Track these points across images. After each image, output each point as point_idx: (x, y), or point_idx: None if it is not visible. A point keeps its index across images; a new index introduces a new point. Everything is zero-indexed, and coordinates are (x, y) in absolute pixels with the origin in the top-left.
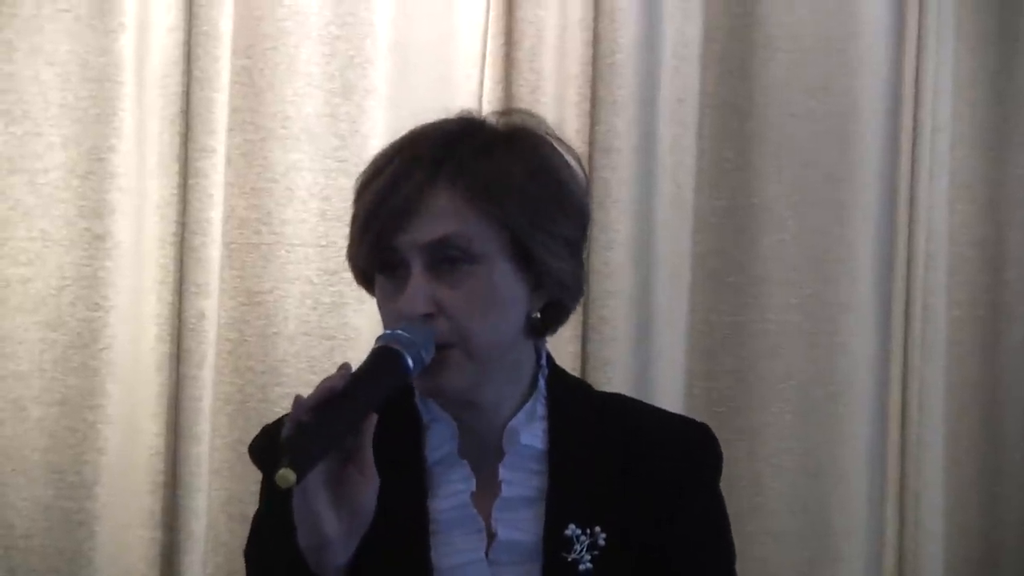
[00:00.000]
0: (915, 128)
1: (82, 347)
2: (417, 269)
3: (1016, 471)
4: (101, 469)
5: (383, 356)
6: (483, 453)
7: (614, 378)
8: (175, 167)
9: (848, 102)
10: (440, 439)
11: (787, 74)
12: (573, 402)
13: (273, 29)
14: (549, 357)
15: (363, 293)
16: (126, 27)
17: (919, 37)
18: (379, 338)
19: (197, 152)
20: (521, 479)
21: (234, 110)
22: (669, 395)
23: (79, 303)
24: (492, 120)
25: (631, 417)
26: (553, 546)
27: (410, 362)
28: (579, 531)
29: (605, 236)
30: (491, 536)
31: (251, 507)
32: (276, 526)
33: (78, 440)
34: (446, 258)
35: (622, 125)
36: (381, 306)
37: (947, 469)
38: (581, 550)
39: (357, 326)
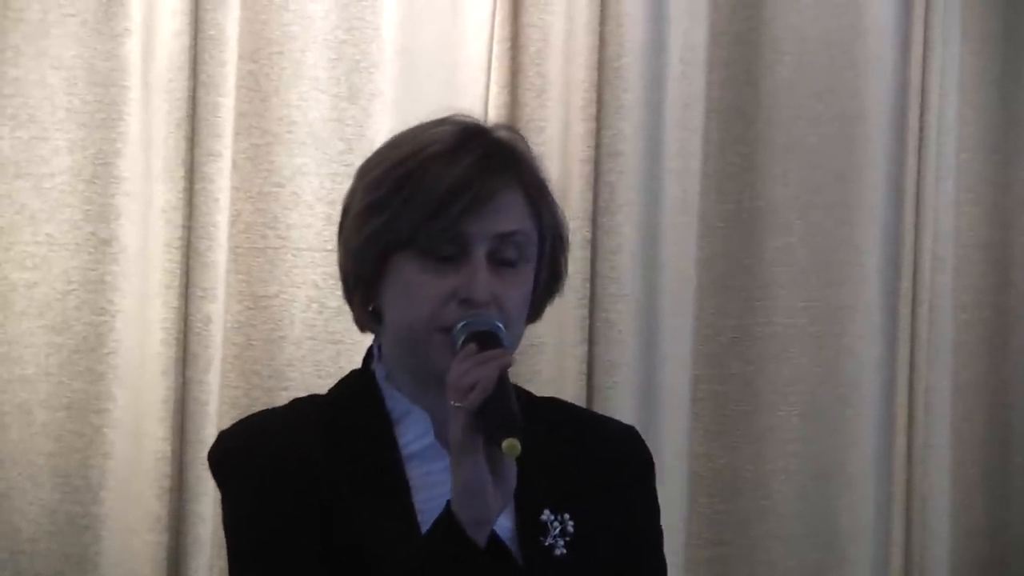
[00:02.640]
0: (921, 131)
1: (88, 351)
2: (480, 257)
3: (1023, 473)
4: (107, 473)
5: (495, 338)
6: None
7: (620, 381)
8: (181, 171)
9: (854, 105)
10: (416, 432)
11: (793, 78)
12: (524, 399)
13: (279, 34)
14: None
15: None
16: (132, 32)
17: (925, 40)
18: (473, 322)
19: (203, 156)
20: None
21: (240, 114)
22: (675, 398)
23: (85, 307)
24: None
25: (574, 416)
26: (530, 532)
27: (505, 343)
28: (552, 517)
29: (611, 240)
30: None
31: None
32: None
33: (84, 444)
34: (505, 253)
35: (628, 129)
36: (418, 286)
37: (954, 471)
38: (555, 536)
39: None
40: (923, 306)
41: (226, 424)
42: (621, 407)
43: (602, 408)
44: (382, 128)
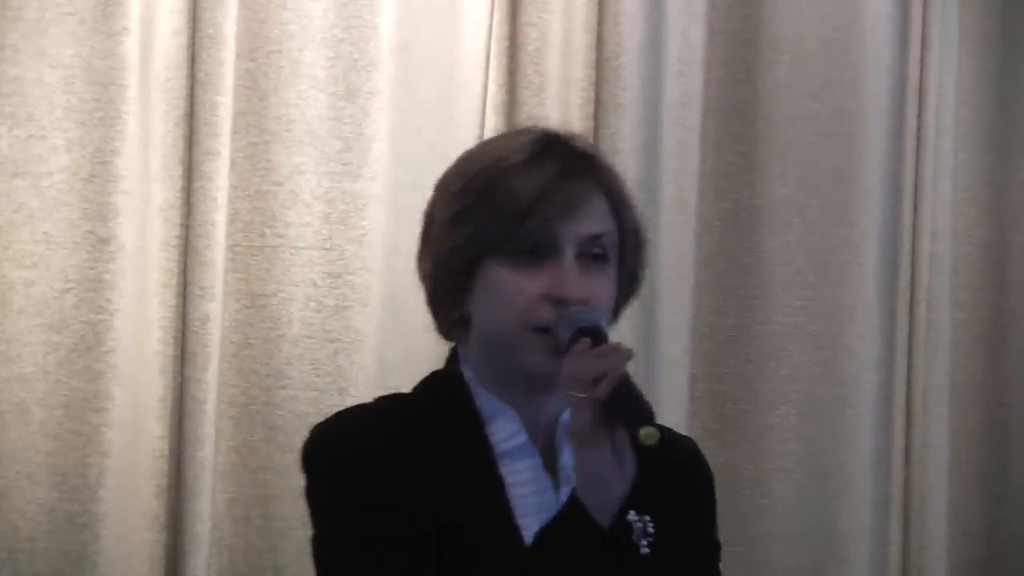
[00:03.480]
0: (919, 131)
1: (86, 350)
2: (570, 258)
3: (1020, 473)
4: (105, 472)
5: (603, 332)
6: (539, 443)
7: None
8: (179, 170)
9: (852, 105)
10: (508, 431)
11: (791, 77)
12: None
13: (277, 32)
14: None
15: (368, 296)
16: (130, 30)
17: (923, 40)
18: (575, 320)
19: (201, 155)
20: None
21: (238, 113)
22: (674, 397)
23: (83, 306)
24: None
25: None
26: (619, 530)
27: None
28: (636, 518)
29: None
30: None
31: (255, 509)
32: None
33: (82, 443)
34: (592, 254)
35: (626, 128)
36: (510, 287)
37: (951, 471)
38: (639, 535)
39: (361, 329)
40: (921, 305)
41: (224, 422)
42: None
43: None
44: (380, 127)
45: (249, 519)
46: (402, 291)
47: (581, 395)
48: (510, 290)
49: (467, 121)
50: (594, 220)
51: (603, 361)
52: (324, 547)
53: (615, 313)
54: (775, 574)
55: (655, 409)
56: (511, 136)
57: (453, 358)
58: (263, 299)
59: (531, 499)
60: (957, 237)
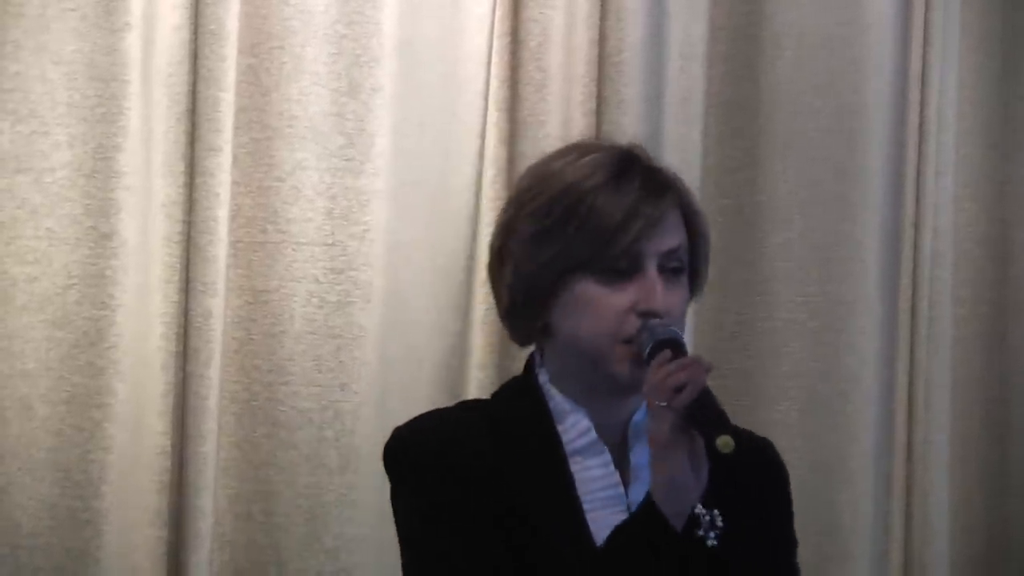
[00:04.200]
0: (921, 126)
1: (88, 346)
2: (654, 273)
3: (1022, 468)
4: (107, 468)
5: (682, 344)
6: (609, 443)
7: None
8: (181, 166)
9: (854, 100)
10: (578, 429)
11: (793, 73)
12: None
13: (279, 28)
14: None
15: (370, 292)
16: (132, 26)
17: (925, 36)
18: (654, 332)
19: (203, 151)
20: (647, 466)
21: (240, 109)
22: None
23: (85, 302)
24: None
25: None
26: (687, 522)
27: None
28: (704, 512)
29: None
30: None
31: (257, 505)
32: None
33: (84, 439)
34: (670, 266)
35: (628, 124)
36: (598, 302)
37: (953, 466)
38: (707, 528)
39: (363, 324)
40: (923, 301)
41: (226, 418)
42: None
43: None
44: (382, 123)
45: (251, 515)
46: (404, 286)
47: (662, 403)
48: (600, 304)
49: (469, 117)
50: (672, 235)
51: (685, 372)
52: (407, 547)
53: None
54: None
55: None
56: (583, 151)
57: (530, 363)
58: (265, 295)
59: (601, 494)
60: (959, 233)
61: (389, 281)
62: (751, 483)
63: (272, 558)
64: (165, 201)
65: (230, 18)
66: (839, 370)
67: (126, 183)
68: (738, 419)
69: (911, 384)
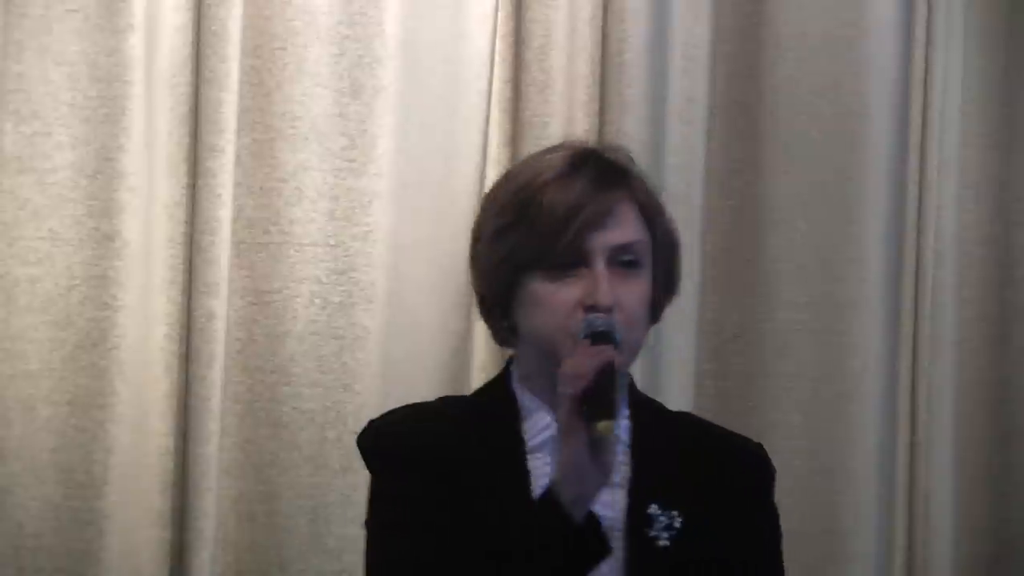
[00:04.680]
0: (924, 127)
1: (91, 347)
2: (601, 267)
3: None
4: (110, 469)
5: (608, 338)
6: None
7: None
8: (184, 167)
9: (857, 101)
10: (540, 426)
11: (796, 74)
12: (650, 408)
13: (282, 29)
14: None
15: (372, 292)
16: (135, 27)
17: (928, 36)
18: (589, 324)
19: (206, 152)
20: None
21: (243, 110)
22: (678, 394)
23: (88, 303)
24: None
25: (700, 427)
26: (636, 522)
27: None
28: (659, 512)
29: None
30: None
31: (260, 505)
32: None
33: (87, 440)
34: (624, 261)
35: (631, 125)
36: (547, 298)
37: (956, 468)
38: (661, 529)
39: (366, 325)
40: (925, 302)
41: (229, 419)
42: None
43: None
44: (385, 123)
45: (254, 515)
46: (407, 287)
47: (566, 391)
48: (550, 301)
49: (472, 118)
50: (624, 230)
51: (583, 361)
52: (368, 532)
53: (657, 311)
54: None
55: (618, 407)
56: (550, 151)
57: (507, 364)
58: (268, 296)
59: None
60: (961, 234)
61: (391, 282)
62: (730, 484)
63: (274, 559)
64: (168, 202)
65: (232, 19)
66: (841, 371)
67: (129, 184)
68: (739, 420)
69: (914, 385)
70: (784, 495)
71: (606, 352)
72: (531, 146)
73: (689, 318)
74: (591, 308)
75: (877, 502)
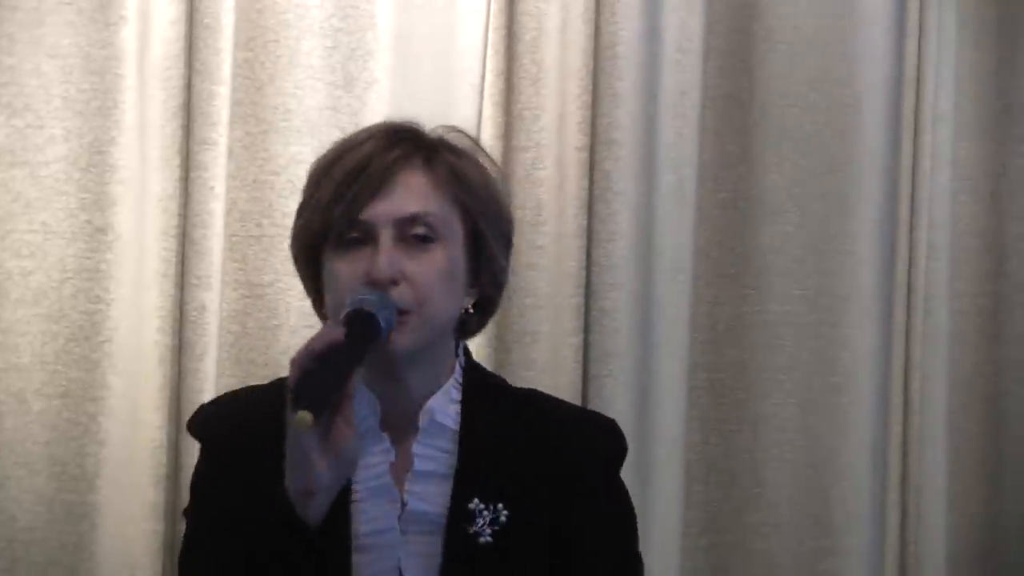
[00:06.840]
0: (917, 119)
1: (83, 340)
2: (386, 240)
3: (1018, 462)
4: (103, 462)
5: (361, 317)
6: (399, 429)
7: (615, 370)
8: (176, 160)
9: (850, 94)
10: (362, 413)
11: (789, 66)
12: (486, 391)
13: (274, 22)
14: (467, 351)
15: None
16: (127, 20)
17: (920, 28)
18: (350, 302)
19: (198, 145)
20: (433, 455)
21: (235, 103)
22: (671, 387)
23: (80, 296)
24: (434, 130)
25: (540, 409)
26: (456, 518)
27: (382, 323)
28: (482, 506)
29: (606, 228)
30: (403, 506)
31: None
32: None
33: (80, 433)
34: (414, 234)
35: (623, 118)
36: (336, 275)
37: (949, 461)
38: (483, 524)
39: None
40: (918, 295)
41: None
42: (616, 396)
43: (597, 397)
44: (378, 116)
45: None
46: None
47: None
48: (338, 276)
49: (465, 111)
50: (410, 200)
51: (308, 345)
52: (185, 516)
53: (484, 293)
54: (771, 563)
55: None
56: (366, 128)
57: None
58: (260, 289)
59: (372, 483)
60: (954, 226)
61: None
62: (567, 470)
63: None
64: (160, 195)
65: (225, 12)
66: (834, 364)
67: (121, 177)
68: (731, 412)
69: (906, 378)
70: (776, 488)
71: (330, 334)
72: (523, 139)
73: (681, 310)
74: (371, 283)
75: (869, 494)
